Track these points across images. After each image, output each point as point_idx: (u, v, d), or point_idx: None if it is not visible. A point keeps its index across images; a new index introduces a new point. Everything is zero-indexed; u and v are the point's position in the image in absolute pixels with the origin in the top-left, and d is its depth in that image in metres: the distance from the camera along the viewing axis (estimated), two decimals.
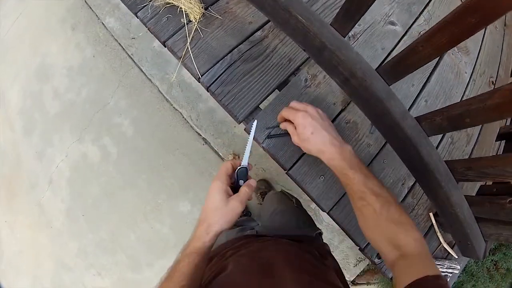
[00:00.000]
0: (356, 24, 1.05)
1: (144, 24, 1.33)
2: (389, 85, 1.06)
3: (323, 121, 1.08)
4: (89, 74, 3.41)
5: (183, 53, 1.26)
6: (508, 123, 1.69)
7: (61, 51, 3.50)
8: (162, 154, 3.26)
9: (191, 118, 3.22)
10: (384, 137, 1.22)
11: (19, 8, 3.69)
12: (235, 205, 0.92)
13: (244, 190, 0.97)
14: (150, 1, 1.31)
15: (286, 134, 1.15)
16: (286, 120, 1.14)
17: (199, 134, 3.23)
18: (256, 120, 1.13)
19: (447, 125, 0.97)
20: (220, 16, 1.32)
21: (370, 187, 0.97)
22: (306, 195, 1.29)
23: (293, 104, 1.14)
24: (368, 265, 3.20)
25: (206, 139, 3.21)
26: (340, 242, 3.17)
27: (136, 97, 3.31)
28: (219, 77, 1.26)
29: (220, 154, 3.18)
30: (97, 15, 3.44)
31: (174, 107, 3.26)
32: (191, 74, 1.28)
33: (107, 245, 3.31)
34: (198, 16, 1.29)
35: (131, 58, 3.33)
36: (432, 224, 1.41)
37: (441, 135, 1.46)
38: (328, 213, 1.28)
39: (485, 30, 1.81)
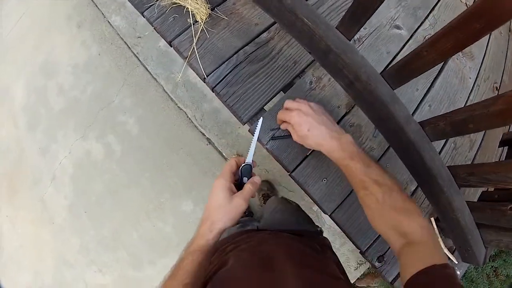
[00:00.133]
0: (362, 28, 1.05)
1: (151, 23, 1.33)
2: (393, 89, 1.06)
3: (318, 115, 1.08)
4: (94, 72, 3.42)
5: (189, 53, 1.27)
6: (511, 129, 1.69)
7: (66, 49, 3.51)
8: (166, 153, 3.26)
9: (196, 118, 3.22)
10: (387, 141, 1.22)
11: (22, 5, 3.70)
12: (239, 203, 0.93)
13: (248, 187, 0.97)
14: (156, 1, 1.32)
15: (290, 136, 1.15)
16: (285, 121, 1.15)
17: (203, 134, 3.23)
18: (262, 118, 1.14)
19: (450, 130, 0.97)
20: (226, 17, 1.33)
21: (371, 176, 0.97)
22: (308, 197, 1.29)
23: (287, 104, 1.15)
24: (368, 268, 3.19)
25: (210, 139, 3.22)
26: (342, 245, 3.17)
27: (141, 96, 3.32)
28: (224, 78, 1.26)
29: (224, 154, 3.18)
30: (103, 13, 3.45)
31: (179, 107, 3.26)
32: (197, 74, 1.28)
33: (109, 243, 3.31)
34: (205, 17, 1.29)
35: (137, 57, 3.34)
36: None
37: (444, 140, 1.46)
38: (330, 216, 1.29)
39: (490, 35, 1.81)
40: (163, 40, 1.33)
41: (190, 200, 3.24)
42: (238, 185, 1.01)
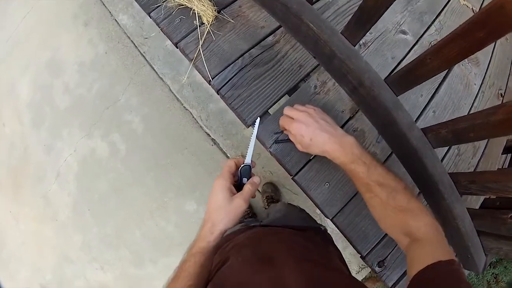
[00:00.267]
0: (368, 32, 1.05)
1: (157, 24, 1.34)
2: (397, 96, 1.06)
3: (318, 123, 1.07)
4: (101, 71, 3.42)
5: (195, 55, 1.28)
6: None
7: (72, 47, 3.52)
8: (171, 153, 3.27)
9: (201, 119, 3.23)
10: (390, 146, 1.22)
11: (28, 3, 3.70)
12: (239, 203, 0.93)
13: (247, 187, 0.98)
14: (163, 2, 1.33)
15: None
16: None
17: (208, 134, 3.23)
18: (259, 118, 1.15)
19: (452, 138, 0.97)
20: (232, 19, 1.33)
21: (374, 179, 0.97)
22: (311, 201, 1.30)
23: (286, 111, 1.15)
24: (370, 272, 3.19)
25: (215, 140, 3.22)
26: (344, 249, 3.13)
27: (147, 95, 3.32)
28: (229, 80, 1.26)
29: (229, 155, 3.18)
30: (110, 12, 3.46)
31: (184, 107, 3.26)
32: (202, 76, 1.29)
33: (112, 240, 3.32)
34: (211, 19, 1.30)
35: (143, 56, 3.34)
36: None
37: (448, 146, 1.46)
38: (331, 220, 1.29)
39: (495, 42, 1.80)
40: None
41: (194, 200, 3.25)
42: (238, 185, 1.02)
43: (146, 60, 3.33)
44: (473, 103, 1.58)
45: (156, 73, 3.31)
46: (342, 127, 1.30)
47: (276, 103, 1.30)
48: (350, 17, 1.03)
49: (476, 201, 1.44)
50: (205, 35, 1.29)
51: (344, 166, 1.03)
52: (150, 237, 3.28)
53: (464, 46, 0.77)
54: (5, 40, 3.68)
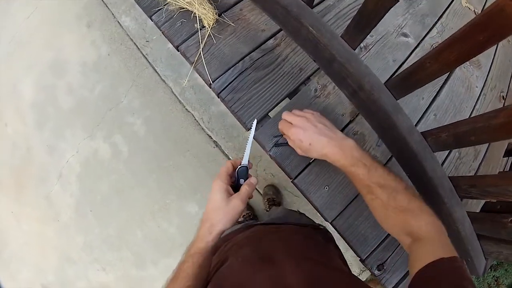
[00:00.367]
0: (368, 35, 1.05)
1: (159, 27, 1.34)
2: (397, 99, 1.06)
3: (316, 127, 1.07)
4: (103, 72, 3.43)
5: (196, 58, 1.28)
6: None
7: (75, 48, 3.52)
8: (172, 155, 3.28)
9: (203, 121, 3.23)
10: (390, 150, 1.22)
11: (31, 3, 3.70)
12: (237, 204, 0.94)
13: (244, 188, 0.99)
14: (165, 5, 1.33)
15: None
16: None
17: (210, 137, 3.24)
18: (256, 119, 1.16)
19: (452, 141, 0.97)
20: (233, 23, 1.33)
21: (375, 180, 0.97)
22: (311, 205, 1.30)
23: (284, 116, 1.15)
24: (370, 275, 3.18)
25: (217, 142, 3.23)
26: (345, 251, 3.14)
27: (149, 97, 3.33)
28: (230, 83, 1.27)
29: (230, 157, 3.17)
30: (113, 14, 3.47)
31: (186, 109, 3.27)
32: (203, 79, 1.29)
33: (113, 241, 3.33)
34: (212, 22, 1.30)
35: (146, 58, 3.35)
36: None
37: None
38: (331, 223, 1.29)
39: (497, 44, 1.79)
40: None
41: (195, 202, 3.25)
42: (235, 186, 1.03)
43: (149, 62, 3.35)
44: (474, 106, 1.57)
45: (159, 75, 3.32)
46: (342, 130, 1.30)
47: (277, 106, 1.30)
48: (350, 20, 1.03)
49: (476, 205, 1.43)
50: (206, 38, 1.29)
51: (345, 169, 1.03)
52: (152, 239, 3.28)
53: (464, 49, 0.77)
54: (8, 40, 3.67)
